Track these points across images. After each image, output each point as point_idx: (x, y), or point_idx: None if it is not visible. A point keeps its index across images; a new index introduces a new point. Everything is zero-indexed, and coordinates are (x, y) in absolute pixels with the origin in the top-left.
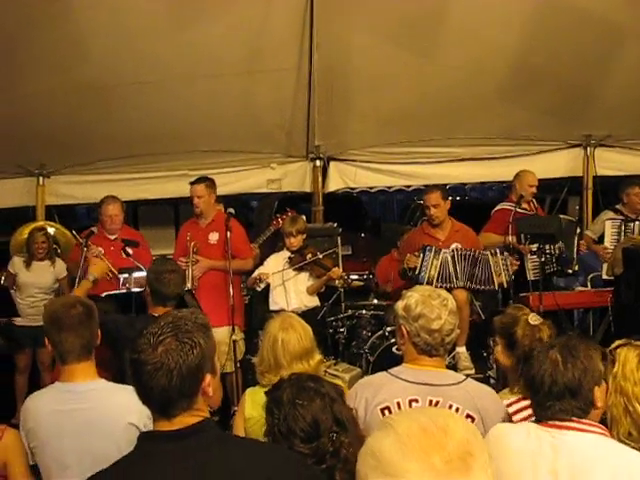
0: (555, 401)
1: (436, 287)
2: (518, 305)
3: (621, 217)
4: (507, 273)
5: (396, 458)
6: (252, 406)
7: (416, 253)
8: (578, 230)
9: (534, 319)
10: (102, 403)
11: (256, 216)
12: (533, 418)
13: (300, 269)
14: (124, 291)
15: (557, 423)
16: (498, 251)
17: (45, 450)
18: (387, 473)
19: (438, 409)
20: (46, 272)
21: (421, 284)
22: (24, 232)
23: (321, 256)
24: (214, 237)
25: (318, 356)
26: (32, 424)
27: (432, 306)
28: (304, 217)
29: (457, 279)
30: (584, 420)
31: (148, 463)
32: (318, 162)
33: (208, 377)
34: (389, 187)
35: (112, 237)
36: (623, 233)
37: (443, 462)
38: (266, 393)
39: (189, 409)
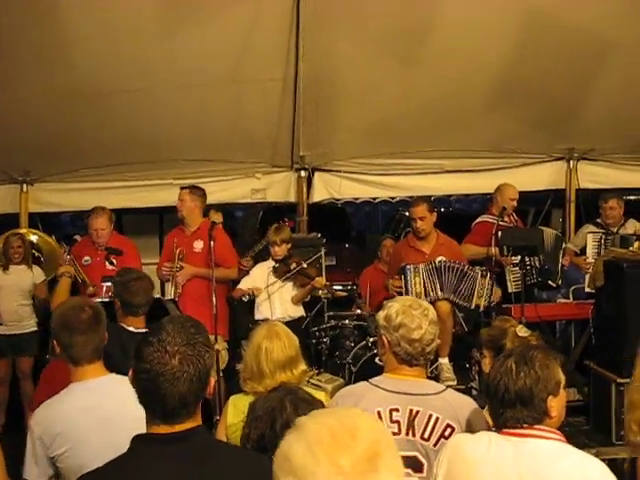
0: (507, 409)
1: (435, 298)
2: (505, 317)
3: (602, 230)
4: (487, 298)
5: (305, 462)
6: (234, 413)
7: (397, 277)
8: (563, 245)
9: (522, 331)
10: (117, 396)
11: (241, 226)
12: None
13: (286, 279)
14: (106, 299)
15: (518, 431)
16: (489, 274)
17: (80, 449)
18: (298, 476)
19: (348, 409)
20: (25, 276)
21: None
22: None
23: (305, 265)
24: (199, 245)
25: (302, 366)
26: (60, 428)
27: (413, 316)
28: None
29: (442, 291)
30: (544, 427)
31: (142, 465)
32: (303, 172)
33: (212, 379)
34: (374, 198)
35: (100, 248)
36: (603, 246)
37: (351, 465)
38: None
39: (194, 413)
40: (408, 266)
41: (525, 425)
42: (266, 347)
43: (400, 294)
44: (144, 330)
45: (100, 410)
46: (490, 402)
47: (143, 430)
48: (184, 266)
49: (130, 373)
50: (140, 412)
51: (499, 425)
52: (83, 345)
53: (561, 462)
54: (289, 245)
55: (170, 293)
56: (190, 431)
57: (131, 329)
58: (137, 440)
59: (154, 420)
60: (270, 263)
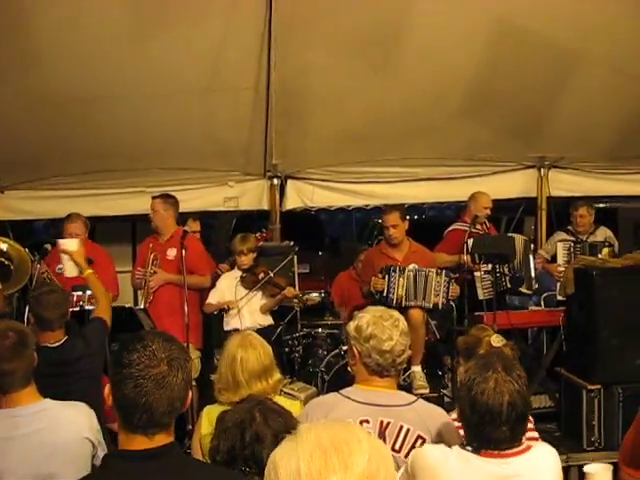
0: (508, 428)
1: (406, 306)
2: (482, 326)
3: (572, 238)
4: (444, 296)
5: None
6: (209, 424)
7: (380, 275)
8: (532, 247)
9: (497, 340)
10: (54, 422)
11: (214, 234)
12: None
13: (253, 289)
14: (77, 309)
15: (498, 452)
16: (444, 272)
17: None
18: None
19: (349, 431)
20: None
21: (389, 306)
22: None
23: (272, 274)
24: (172, 253)
25: (277, 375)
26: None
27: (383, 327)
28: (256, 235)
29: (416, 298)
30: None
31: None
32: (276, 180)
33: (190, 392)
34: (348, 206)
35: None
36: (573, 254)
37: None
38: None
39: (171, 425)
40: (394, 267)
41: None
42: (241, 357)
43: (381, 293)
44: (62, 342)
45: (33, 438)
46: (483, 423)
47: (89, 453)
48: (157, 271)
49: (107, 387)
50: (77, 438)
51: (488, 446)
52: (8, 373)
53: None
54: (255, 254)
55: (141, 300)
56: (167, 447)
57: (46, 344)
58: (108, 457)
59: (131, 432)
60: (236, 273)
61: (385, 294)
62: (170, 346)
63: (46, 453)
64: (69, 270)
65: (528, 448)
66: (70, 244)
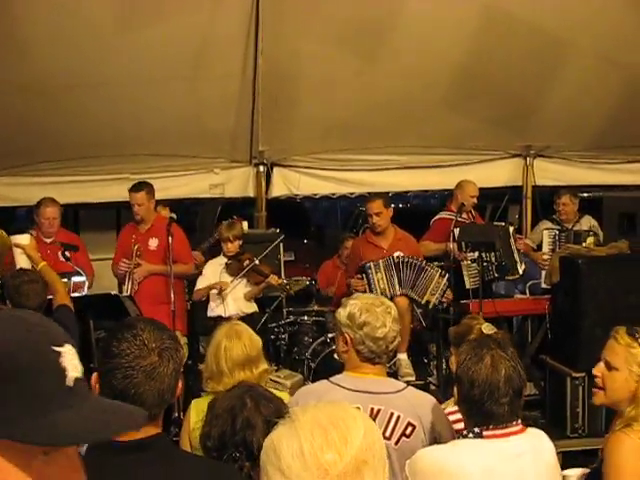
0: (508, 405)
1: (392, 295)
2: (474, 315)
3: (557, 227)
4: (439, 298)
5: (293, 463)
6: (197, 416)
7: (358, 276)
8: (511, 229)
9: (488, 328)
10: None
11: (199, 221)
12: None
13: (237, 276)
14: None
15: (501, 432)
16: (446, 276)
17: None
18: (284, 474)
19: (343, 409)
20: None
21: None
22: None
23: (257, 262)
24: (154, 243)
25: (263, 365)
26: None
27: (376, 314)
28: (245, 223)
29: (400, 286)
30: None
31: (94, 477)
32: (262, 168)
33: (180, 382)
34: (333, 194)
35: (48, 240)
36: (558, 242)
37: (338, 472)
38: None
39: (159, 416)
40: (368, 264)
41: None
42: (225, 345)
43: (364, 292)
44: None
45: None
46: (483, 400)
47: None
48: (141, 263)
49: (94, 375)
50: None
51: (490, 423)
52: None
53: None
54: (240, 241)
55: (127, 290)
56: (155, 437)
57: None
58: (90, 449)
59: None
60: (222, 260)
61: (369, 292)
62: (161, 335)
63: None
64: (22, 264)
65: (524, 429)
66: (22, 239)
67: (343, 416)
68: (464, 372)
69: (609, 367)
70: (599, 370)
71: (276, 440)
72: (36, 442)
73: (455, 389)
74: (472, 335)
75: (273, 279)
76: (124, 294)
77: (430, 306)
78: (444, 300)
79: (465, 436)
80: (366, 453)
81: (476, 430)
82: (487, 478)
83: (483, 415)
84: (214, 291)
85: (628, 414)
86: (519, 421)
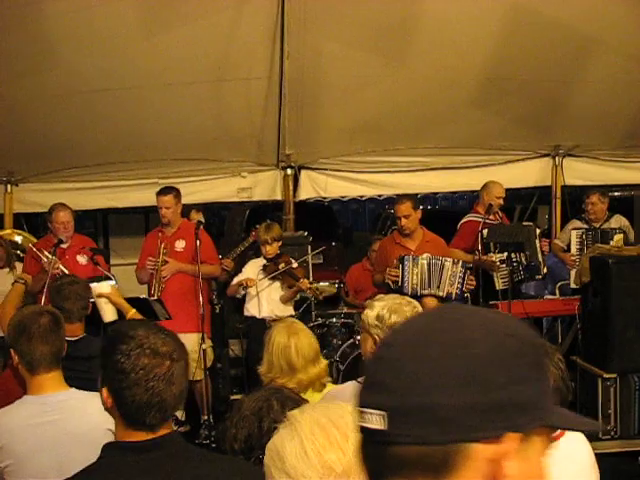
0: None
1: (421, 294)
2: None
3: (586, 226)
4: (459, 287)
5: (298, 464)
6: None
7: (395, 262)
8: (538, 231)
9: None
10: (78, 412)
11: (227, 225)
12: None
13: (273, 278)
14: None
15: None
16: (460, 262)
17: (24, 466)
18: (290, 475)
19: (340, 406)
20: (6, 280)
21: (406, 294)
22: None
23: (295, 265)
24: (180, 245)
25: (324, 360)
26: (5, 441)
27: (405, 313)
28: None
29: (430, 287)
30: None
31: (110, 475)
32: (289, 171)
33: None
34: (361, 196)
35: (64, 246)
36: (586, 242)
37: (342, 468)
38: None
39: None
40: (408, 256)
41: None
42: (295, 343)
43: (396, 283)
44: (79, 337)
45: (58, 427)
46: None
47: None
48: (169, 261)
49: (104, 391)
50: (100, 429)
51: None
52: (42, 350)
53: None
54: (279, 243)
55: (154, 290)
56: (169, 436)
57: (67, 338)
58: (106, 449)
59: (132, 427)
60: (262, 261)
61: (400, 284)
62: (163, 336)
63: (69, 442)
64: (109, 315)
65: (562, 433)
66: (103, 287)
67: (341, 413)
68: None
69: None
70: None
71: (278, 443)
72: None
73: None
74: None
75: (303, 283)
76: (153, 298)
77: (453, 297)
78: (466, 289)
79: None
80: None
81: None
82: None
83: None
84: (247, 290)
85: None
86: None
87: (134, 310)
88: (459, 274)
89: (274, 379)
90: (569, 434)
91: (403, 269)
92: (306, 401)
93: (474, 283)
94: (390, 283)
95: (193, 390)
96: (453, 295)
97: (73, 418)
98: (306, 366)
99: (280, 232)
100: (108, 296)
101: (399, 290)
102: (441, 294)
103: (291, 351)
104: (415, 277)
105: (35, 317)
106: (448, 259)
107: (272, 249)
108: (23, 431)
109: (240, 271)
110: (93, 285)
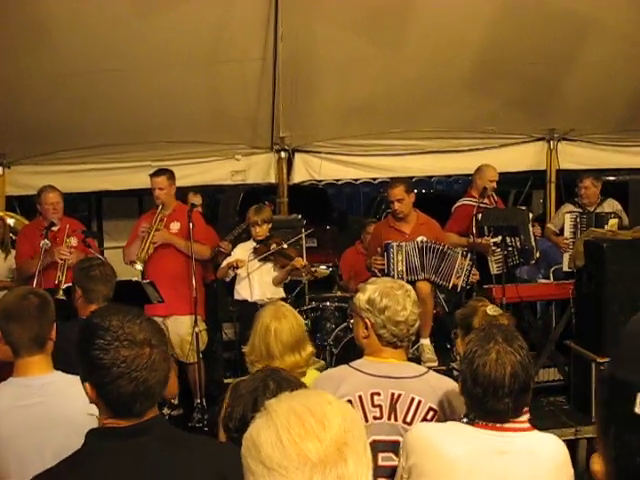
0: (511, 401)
1: (405, 280)
2: (480, 297)
3: (579, 210)
4: (465, 279)
5: (273, 453)
6: None
7: (379, 250)
8: (530, 215)
9: (492, 310)
10: (62, 396)
11: (222, 208)
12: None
13: (265, 259)
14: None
15: (493, 424)
16: (469, 256)
17: (7, 448)
18: (265, 465)
19: (320, 394)
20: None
21: None
22: None
23: (285, 246)
24: (175, 226)
25: (310, 348)
26: None
27: (397, 297)
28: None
29: (423, 271)
30: (522, 419)
31: (97, 461)
32: (283, 154)
33: (172, 364)
34: (355, 179)
35: (55, 228)
36: (580, 225)
37: (319, 457)
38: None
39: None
40: (391, 243)
41: (520, 419)
42: (275, 328)
43: (382, 271)
44: None
45: (41, 409)
46: (484, 393)
47: (83, 433)
48: (161, 230)
49: (88, 386)
50: (82, 412)
51: (487, 416)
52: (19, 334)
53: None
54: (270, 225)
55: (141, 253)
56: (154, 420)
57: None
58: (90, 434)
59: (127, 417)
60: (252, 244)
61: (386, 272)
62: (137, 321)
63: (52, 425)
64: None
65: (531, 429)
66: None
67: (318, 401)
68: (468, 367)
69: None
70: None
71: (254, 433)
72: None
73: (460, 381)
74: (477, 315)
75: (298, 262)
76: (145, 280)
77: (458, 289)
78: (472, 281)
79: (461, 419)
80: (346, 435)
81: (471, 417)
82: (470, 466)
83: (484, 411)
84: (236, 271)
85: None
86: (525, 418)
87: None
88: (467, 267)
89: (254, 363)
90: (540, 434)
91: (388, 257)
92: (303, 384)
93: (478, 276)
94: (376, 271)
95: (186, 373)
96: (459, 287)
97: (57, 401)
98: (283, 353)
99: (270, 214)
100: None
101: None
102: (446, 285)
103: (270, 335)
104: (400, 264)
105: (19, 299)
106: (457, 250)
107: (262, 231)
108: (7, 413)
109: (228, 255)
110: None
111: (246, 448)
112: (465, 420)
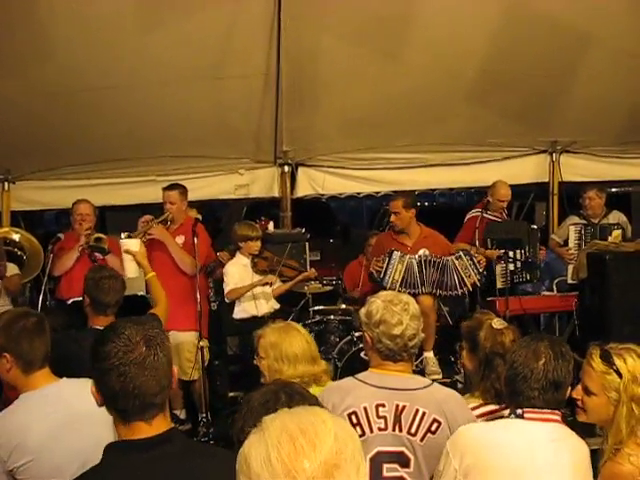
0: (539, 392)
1: (400, 292)
2: (485, 311)
3: (584, 222)
4: (477, 272)
5: (262, 471)
6: None
7: (383, 256)
8: (539, 235)
9: (498, 323)
10: (76, 397)
11: (225, 223)
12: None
13: (271, 272)
14: None
15: (538, 416)
16: (462, 253)
17: (41, 461)
18: None
19: (315, 412)
20: None
21: (385, 288)
22: None
23: (284, 259)
24: (180, 240)
25: (323, 362)
26: (18, 440)
27: (393, 312)
28: (271, 223)
29: (423, 285)
30: (553, 411)
31: (116, 476)
32: (286, 168)
33: (175, 368)
34: (358, 193)
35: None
36: (584, 237)
37: (306, 478)
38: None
39: (164, 407)
40: (397, 251)
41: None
42: (290, 341)
43: (378, 272)
44: None
45: (60, 416)
46: (515, 385)
47: (110, 430)
48: (161, 228)
49: (93, 386)
50: (103, 412)
51: (520, 406)
52: (38, 348)
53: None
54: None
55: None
56: (169, 433)
57: (96, 327)
58: (109, 449)
59: (129, 421)
60: (241, 260)
61: (382, 275)
62: (143, 327)
63: (77, 427)
64: (131, 271)
65: (563, 423)
66: (132, 244)
67: (312, 420)
68: (511, 355)
69: (587, 392)
70: (578, 393)
71: (246, 449)
72: None
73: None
74: (482, 330)
75: (311, 272)
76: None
77: (479, 284)
78: (482, 269)
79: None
80: (337, 457)
81: (518, 412)
82: (532, 453)
83: (513, 393)
84: (262, 288)
85: (614, 439)
86: (558, 412)
87: (154, 273)
88: (468, 263)
89: (269, 375)
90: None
91: (389, 262)
92: (314, 397)
93: (484, 260)
94: (374, 272)
95: (191, 389)
96: (478, 283)
97: (74, 404)
98: (296, 365)
99: (262, 230)
100: (134, 254)
101: (379, 281)
102: (460, 291)
103: (283, 348)
104: (398, 274)
105: (26, 318)
106: (448, 258)
107: (257, 246)
108: (33, 426)
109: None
110: (122, 241)
111: (239, 463)
112: (512, 416)
